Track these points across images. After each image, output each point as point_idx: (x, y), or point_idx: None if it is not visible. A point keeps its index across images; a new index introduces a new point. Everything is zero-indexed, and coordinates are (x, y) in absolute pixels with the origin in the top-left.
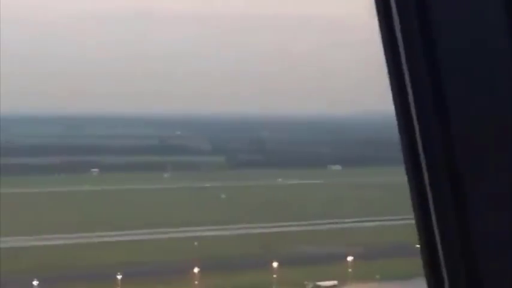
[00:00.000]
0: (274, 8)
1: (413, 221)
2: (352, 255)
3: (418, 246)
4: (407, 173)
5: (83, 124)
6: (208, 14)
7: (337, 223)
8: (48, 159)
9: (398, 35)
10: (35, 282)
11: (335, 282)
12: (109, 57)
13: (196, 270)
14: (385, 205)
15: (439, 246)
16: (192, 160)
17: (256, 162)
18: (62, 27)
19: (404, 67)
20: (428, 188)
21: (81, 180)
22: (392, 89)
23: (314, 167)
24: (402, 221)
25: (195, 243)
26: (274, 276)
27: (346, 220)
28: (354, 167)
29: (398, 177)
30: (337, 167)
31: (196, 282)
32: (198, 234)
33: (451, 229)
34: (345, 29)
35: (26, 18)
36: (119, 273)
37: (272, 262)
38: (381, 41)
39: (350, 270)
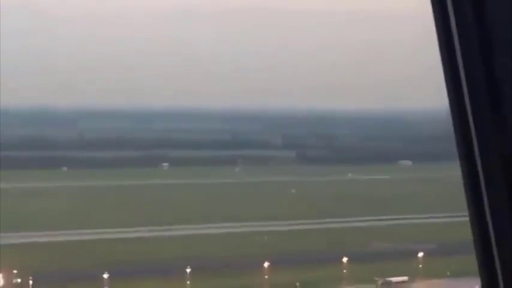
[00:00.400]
0: (328, 3)
1: None
2: (423, 251)
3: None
4: (462, 170)
5: (154, 118)
6: (270, 10)
7: (408, 219)
8: (117, 153)
9: (454, 29)
10: (105, 275)
11: (405, 278)
12: (178, 53)
13: (266, 264)
14: (457, 201)
15: (493, 243)
16: (263, 155)
17: (326, 157)
18: (128, 25)
19: (460, 63)
20: (482, 185)
21: (151, 175)
22: (447, 85)
23: (384, 162)
24: None
25: (265, 237)
26: (344, 271)
27: (417, 216)
28: (424, 163)
29: None
30: (408, 162)
31: (266, 276)
32: (268, 228)
33: (506, 226)
34: (405, 23)
35: (99, 17)
36: (188, 267)
37: (342, 257)
38: (436, 36)
39: (420, 266)
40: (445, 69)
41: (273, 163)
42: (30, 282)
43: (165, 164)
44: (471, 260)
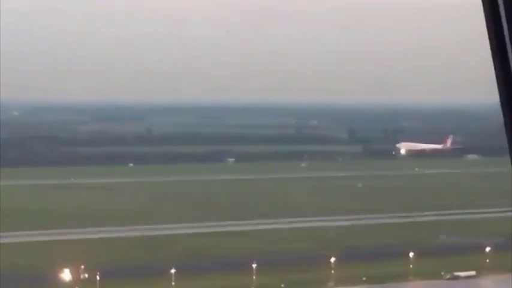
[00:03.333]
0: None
1: None
2: (491, 246)
3: None
4: None
5: (221, 113)
6: (342, 8)
7: (475, 213)
8: (185, 148)
9: (504, 25)
10: (173, 271)
11: (473, 272)
12: (249, 51)
13: (332, 259)
14: None
15: None
16: (329, 149)
17: (392, 151)
18: (207, 23)
19: (510, 55)
20: None
21: (217, 170)
22: (498, 81)
23: (450, 156)
24: None
25: (332, 232)
26: (411, 266)
27: (485, 210)
28: (492, 156)
29: None
30: (474, 156)
31: (332, 271)
32: (334, 223)
33: None
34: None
35: (169, 15)
36: (254, 262)
37: (409, 252)
38: (487, 31)
39: (488, 260)
40: (495, 64)
41: (339, 158)
42: (98, 277)
43: (231, 159)
44: None
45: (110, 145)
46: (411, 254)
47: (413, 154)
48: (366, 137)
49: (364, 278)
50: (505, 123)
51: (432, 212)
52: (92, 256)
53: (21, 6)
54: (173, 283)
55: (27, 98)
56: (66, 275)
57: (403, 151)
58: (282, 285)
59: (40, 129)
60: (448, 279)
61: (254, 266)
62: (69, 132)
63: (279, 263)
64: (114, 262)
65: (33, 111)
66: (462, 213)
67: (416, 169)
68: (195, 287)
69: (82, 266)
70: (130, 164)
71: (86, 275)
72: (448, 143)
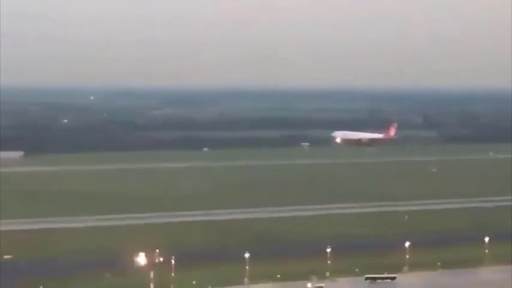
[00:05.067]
0: None
1: None
2: None
3: None
4: None
5: (295, 98)
6: None
7: None
8: (259, 132)
9: None
10: (247, 255)
11: None
12: (327, 37)
13: (407, 244)
14: None
15: None
16: (404, 134)
17: (467, 136)
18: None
19: None
20: None
21: (291, 154)
22: None
23: None
24: None
25: (406, 217)
26: (486, 251)
27: None
28: None
29: None
30: None
31: (407, 256)
32: (408, 208)
33: None
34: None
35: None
36: (328, 247)
37: (484, 237)
38: None
39: None
40: None
41: (413, 142)
42: (172, 261)
43: (305, 144)
44: None
45: (185, 130)
46: (486, 239)
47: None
48: (441, 121)
49: (438, 263)
50: None
51: (508, 197)
52: (167, 240)
53: None
54: (247, 267)
55: (103, 83)
56: (141, 258)
57: None
58: (356, 270)
59: (116, 114)
60: None
61: (328, 250)
62: (145, 117)
63: (350, 247)
64: (188, 246)
65: (108, 96)
66: None
67: (491, 153)
68: (269, 272)
69: (157, 250)
70: (205, 149)
71: (161, 259)
72: None
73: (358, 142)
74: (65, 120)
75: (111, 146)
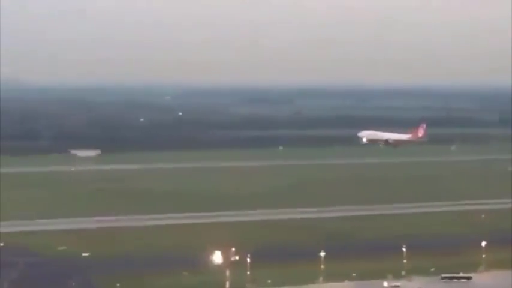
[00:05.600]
0: None
1: None
2: None
3: None
4: None
5: (367, 97)
6: None
7: None
8: (333, 131)
9: None
10: (322, 253)
11: None
12: (394, 35)
13: (483, 243)
14: None
15: None
16: (480, 132)
17: None
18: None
19: None
20: None
21: (366, 152)
22: None
23: None
24: None
25: (482, 215)
26: None
27: None
28: None
29: None
30: None
31: (483, 255)
32: (486, 207)
33: None
34: None
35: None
36: (403, 246)
37: None
38: None
39: None
40: None
41: (490, 141)
42: (248, 259)
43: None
44: None
45: (260, 128)
46: None
47: None
48: None
49: None
50: None
51: None
52: (243, 238)
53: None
54: (322, 266)
55: (178, 82)
56: (217, 256)
57: None
58: (432, 269)
59: (191, 112)
60: None
61: (404, 249)
62: (220, 116)
63: (425, 246)
64: (264, 244)
65: (184, 95)
66: None
67: None
68: (344, 271)
69: (233, 248)
70: (281, 147)
71: (237, 257)
72: None
73: (386, 142)
74: (141, 119)
75: (187, 144)
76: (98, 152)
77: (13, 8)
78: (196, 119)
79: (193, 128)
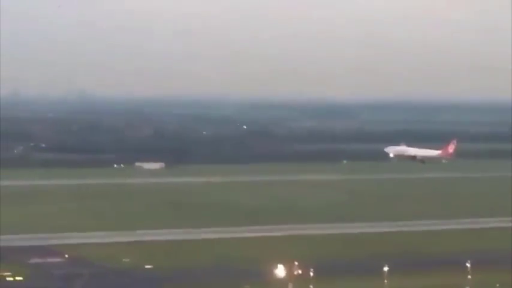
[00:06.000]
0: None
1: None
2: None
3: None
4: None
5: (432, 111)
6: None
7: None
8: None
9: None
10: (386, 268)
11: None
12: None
13: None
14: None
15: None
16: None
17: None
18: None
19: None
20: None
21: (428, 167)
22: None
23: None
24: None
25: None
26: None
27: None
28: None
29: None
30: None
31: None
32: None
33: None
34: None
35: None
36: (467, 261)
37: None
38: None
39: None
40: None
41: None
42: (311, 273)
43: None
44: None
45: (324, 142)
46: None
47: None
48: None
49: None
50: None
51: None
52: (306, 252)
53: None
54: (385, 281)
55: (240, 95)
56: (280, 270)
57: None
58: (497, 285)
59: (254, 125)
60: None
61: (468, 265)
62: (284, 129)
63: (492, 262)
64: (327, 258)
65: (246, 107)
66: None
67: None
68: (408, 286)
69: (296, 262)
70: (344, 161)
71: (300, 271)
72: None
73: (413, 158)
74: (204, 132)
75: (250, 157)
76: (162, 164)
77: (81, 23)
78: (260, 132)
79: (257, 141)
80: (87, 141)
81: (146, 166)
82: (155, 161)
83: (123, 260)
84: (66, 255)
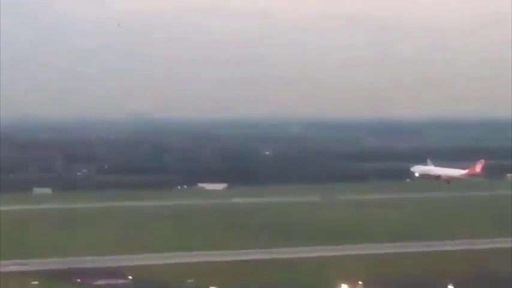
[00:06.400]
0: None
1: None
2: None
3: None
4: None
5: (502, 127)
6: None
7: None
8: (463, 163)
9: None
10: (450, 287)
11: None
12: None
13: None
14: None
15: None
16: None
17: None
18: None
19: None
20: None
21: (496, 185)
22: None
23: None
24: None
25: None
26: None
27: None
28: None
29: None
30: None
31: None
32: None
33: None
34: None
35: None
36: None
37: None
38: None
39: None
40: None
41: None
42: None
43: (510, 175)
44: None
45: (388, 160)
46: None
47: None
48: None
49: None
50: None
51: None
52: (372, 271)
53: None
54: None
55: (304, 116)
56: None
57: None
58: None
59: (317, 144)
60: None
61: None
62: (347, 147)
63: None
64: (396, 279)
65: (307, 127)
66: None
67: None
68: None
69: (360, 282)
70: (408, 180)
71: None
72: None
73: (438, 178)
74: (267, 152)
75: (314, 177)
76: (225, 185)
77: (146, 53)
78: (323, 151)
79: (321, 160)
80: (149, 163)
81: (208, 187)
82: (218, 181)
83: (188, 280)
84: (130, 277)
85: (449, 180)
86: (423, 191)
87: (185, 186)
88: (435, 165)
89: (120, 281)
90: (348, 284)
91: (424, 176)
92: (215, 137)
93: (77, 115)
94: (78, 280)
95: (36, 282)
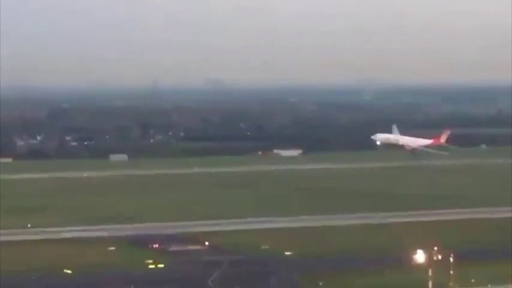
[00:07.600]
0: None
1: None
2: None
3: None
4: None
5: None
6: None
7: None
8: None
9: None
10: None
11: None
12: None
13: None
14: None
15: None
16: None
17: None
18: None
19: None
20: None
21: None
22: None
23: None
24: None
25: None
26: None
27: None
28: None
29: None
30: None
31: None
32: None
33: None
34: None
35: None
36: None
37: None
38: None
39: None
40: None
41: None
42: (451, 259)
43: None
44: None
45: (461, 126)
46: None
47: None
48: None
49: None
50: None
51: None
52: (446, 237)
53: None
54: None
55: (378, 82)
56: (420, 256)
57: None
58: None
59: (390, 111)
60: None
61: None
62: (420, 115)
63: None
64: (469, 244)
65: (383, 94)
66: None
67: None
68: None
69: (435, 247)
70: (483, 145)
71: (440, 257)
72: None
73: (402, 147)
74: (341, 120)
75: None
76: (300, 151)
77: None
78: (395, 119)
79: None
80: (225, 130)
81: (284, 153)
82: (293, 148)
83: (262, 247)
84: (206, 243)
85: (413, 150)
86: (490, 157)
87: (260, 153)
88: (402, 134)
89: (197, 247)
90: (424, 249)
91: (387, 146)
92: (288, 103)
93: (154, 83)
94: (155, 246)
95: (113, 248)
